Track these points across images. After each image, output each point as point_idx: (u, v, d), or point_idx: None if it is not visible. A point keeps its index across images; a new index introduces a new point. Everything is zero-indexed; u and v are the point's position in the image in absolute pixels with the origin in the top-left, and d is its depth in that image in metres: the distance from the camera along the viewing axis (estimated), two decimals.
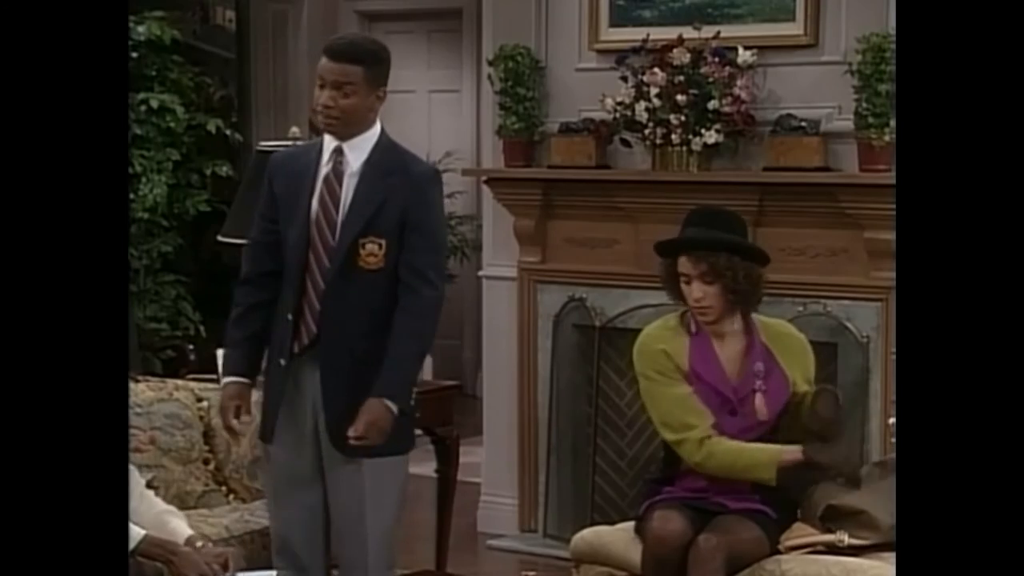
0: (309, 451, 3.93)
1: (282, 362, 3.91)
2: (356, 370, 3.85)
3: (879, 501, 4.03)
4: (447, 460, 5.43)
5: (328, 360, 3.88)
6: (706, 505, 4.09)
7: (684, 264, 4.15)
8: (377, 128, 3.95)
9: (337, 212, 3.89)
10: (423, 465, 5.25)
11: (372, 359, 3.84)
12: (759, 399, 4.13)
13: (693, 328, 4.20)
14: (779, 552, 4.06)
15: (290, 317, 3.89)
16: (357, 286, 3.86)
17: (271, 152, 5.44)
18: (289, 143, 5.43)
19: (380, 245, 3.86)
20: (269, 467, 4.05)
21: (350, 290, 3.86)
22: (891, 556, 3.93)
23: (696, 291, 4.12)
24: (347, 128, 3.90)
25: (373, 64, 3.90)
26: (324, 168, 3.92)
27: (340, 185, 3.90)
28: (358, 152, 3.92)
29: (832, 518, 4.06)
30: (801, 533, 4.09)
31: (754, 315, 4.26)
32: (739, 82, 5.54)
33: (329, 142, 3.94)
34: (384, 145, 3.95)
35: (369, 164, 3.90)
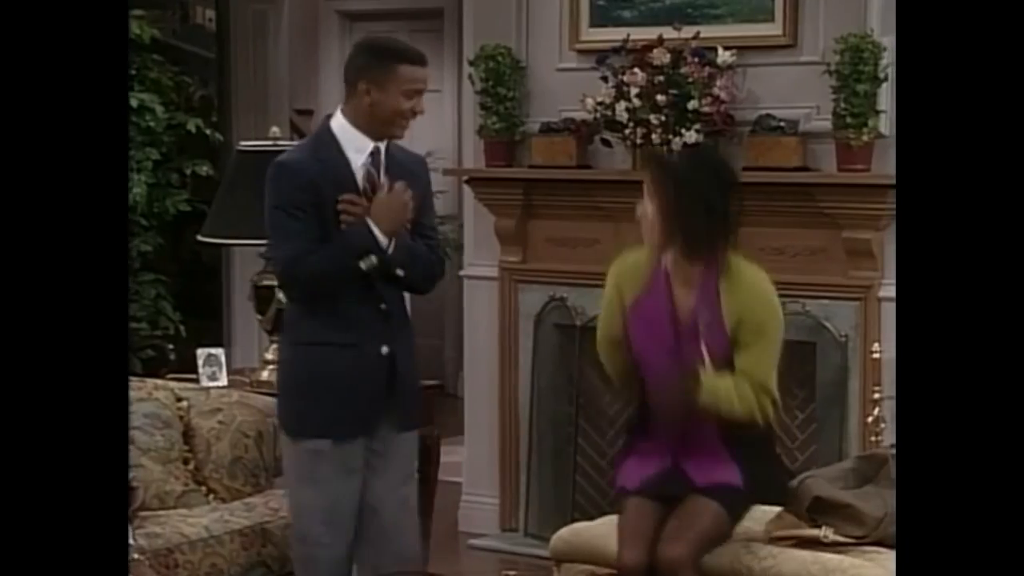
0: (362, 436, 4.10)
1: (384, 350, 4.06)
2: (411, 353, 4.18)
3: (866, 495, 4.05)
4: (428, 459, 5.41)
5: (401, 344, 4.10)
6: (671, 487, 4.05)
7: None
8: None
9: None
10: None
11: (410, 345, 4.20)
12: (701, 345, 3.97)
13: (657, 262, 4.08)
14: (747, 526, 4.08)
15: (384, 307, 4.05)
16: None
17: (251, 152, 5.47)
18: (269, 143, 5.43)
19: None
20: (324, 458, 4.08)
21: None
22: (874, 552, 3.96)
23: (640, 207, 4.07)
24: None
25: None
26: (361, 169, 4.07)
27: (379, 181, 4.07)
28: (381, 150, 4.12)
29: (819, 511, 4.06)
30: (787, 524, 4.10)
31: (734, 260, 4.04)
32: (718, 82, 5.56)
33: (358, 141, 4.06)
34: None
35: (390, 159, 4.13)
